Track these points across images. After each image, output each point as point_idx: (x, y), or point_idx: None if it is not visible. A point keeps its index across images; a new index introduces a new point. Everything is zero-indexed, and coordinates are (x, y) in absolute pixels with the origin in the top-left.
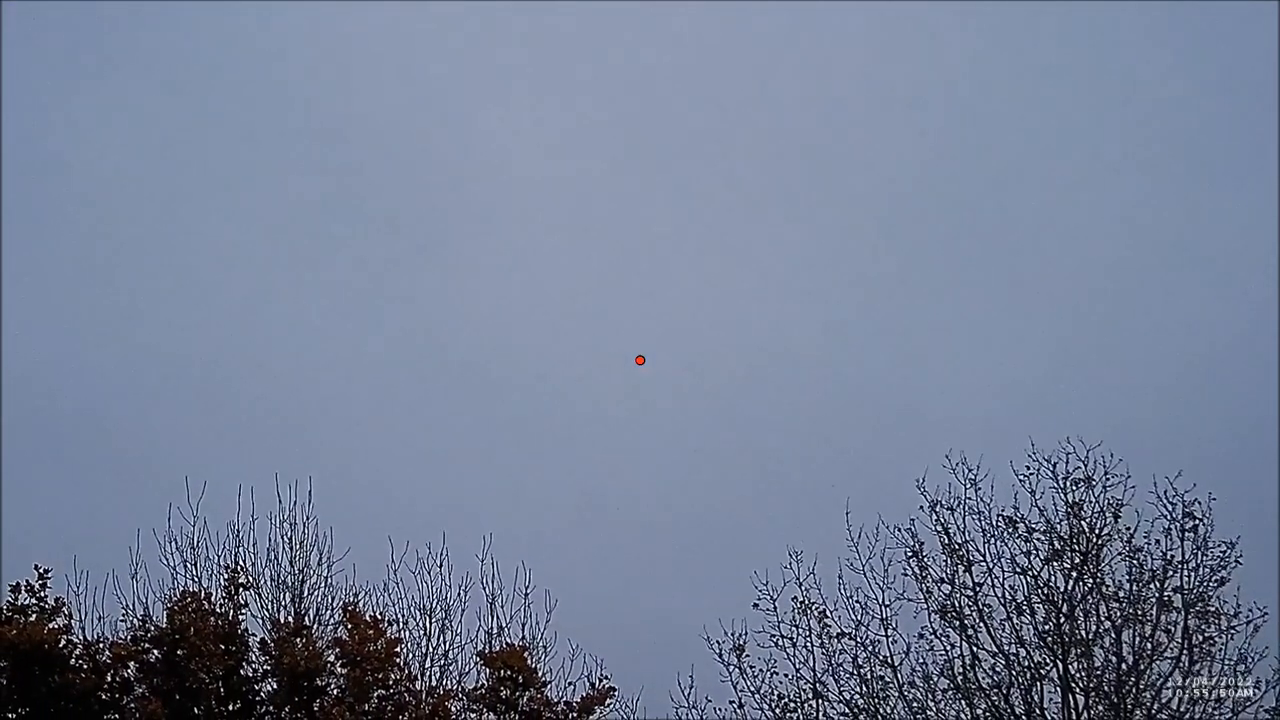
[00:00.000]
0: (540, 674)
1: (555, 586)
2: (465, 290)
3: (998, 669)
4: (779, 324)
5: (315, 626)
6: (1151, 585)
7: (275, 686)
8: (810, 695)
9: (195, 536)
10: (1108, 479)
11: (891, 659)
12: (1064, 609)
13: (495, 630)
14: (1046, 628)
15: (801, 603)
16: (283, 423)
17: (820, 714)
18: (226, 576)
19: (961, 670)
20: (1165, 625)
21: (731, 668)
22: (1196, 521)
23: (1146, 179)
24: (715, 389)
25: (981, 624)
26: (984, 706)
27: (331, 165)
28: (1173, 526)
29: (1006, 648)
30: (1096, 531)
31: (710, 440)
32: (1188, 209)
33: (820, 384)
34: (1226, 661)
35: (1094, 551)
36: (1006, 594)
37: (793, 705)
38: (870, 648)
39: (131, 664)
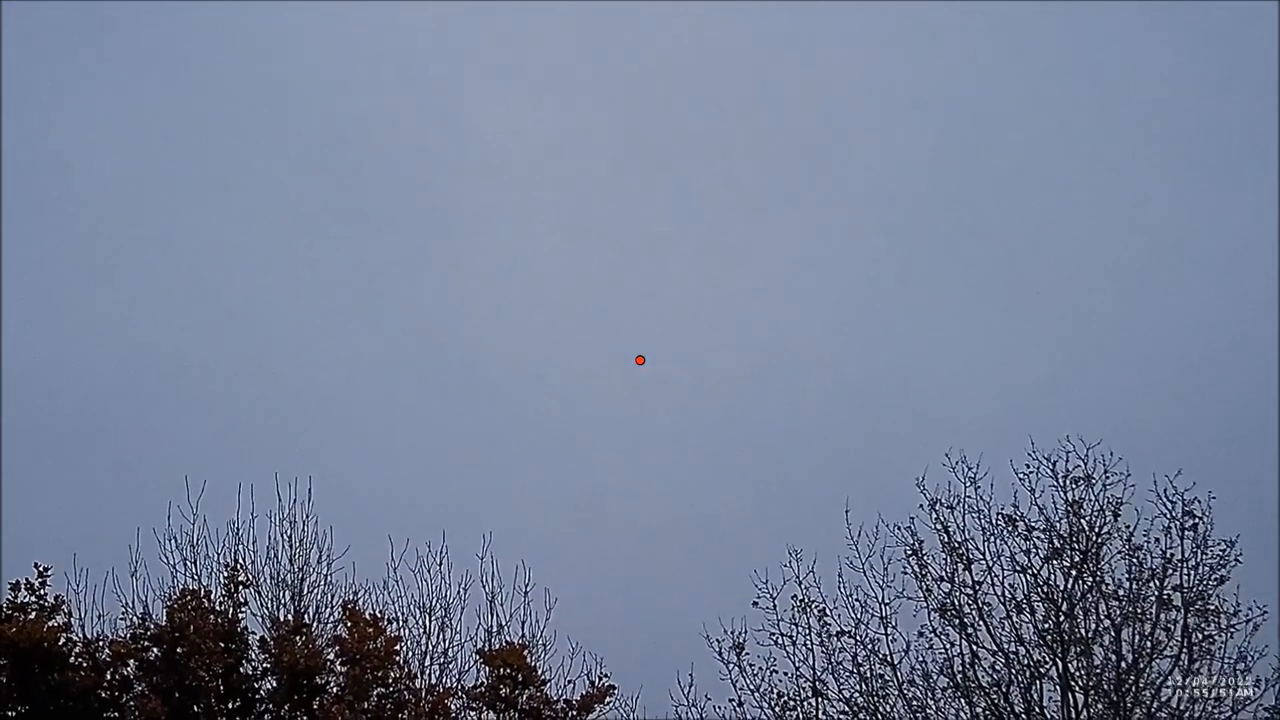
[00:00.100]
0: (540, 672)
1: (555, 585)
2: (465, 290)
3: (997, 667)
4: (779, 324)
5: (315, 625)
6: (1151, 584)
7: (275, 684)
8: (810, 693)
9: (195, 535)
10: (1107, 477)
11: (891, 657)
12: (1064, 607)
13: (495, 628)
14: (1046, 626)
15: (801, 601)
16: (282, 422)
17: (820, 712)
18: (226, 575)
19: (961, 668)
20: (1165, 624)
21: (731, 666)
22: (1196, 520)
23: (1146, 179)
24: (715, 389)
25: (981, 622)
26: (983, 705)
27: (331, 165)
28: (1172, 525)
29: (1006, 646)
30: (1096, 530)
31: (710, 440)
32: (1188, 209)
33: (820, 383)
34: (1226, 660)
35: (1094, 550)
36: (1006, 592)
37: (792, 703)
38: (870, 646)
39: (131, 662)
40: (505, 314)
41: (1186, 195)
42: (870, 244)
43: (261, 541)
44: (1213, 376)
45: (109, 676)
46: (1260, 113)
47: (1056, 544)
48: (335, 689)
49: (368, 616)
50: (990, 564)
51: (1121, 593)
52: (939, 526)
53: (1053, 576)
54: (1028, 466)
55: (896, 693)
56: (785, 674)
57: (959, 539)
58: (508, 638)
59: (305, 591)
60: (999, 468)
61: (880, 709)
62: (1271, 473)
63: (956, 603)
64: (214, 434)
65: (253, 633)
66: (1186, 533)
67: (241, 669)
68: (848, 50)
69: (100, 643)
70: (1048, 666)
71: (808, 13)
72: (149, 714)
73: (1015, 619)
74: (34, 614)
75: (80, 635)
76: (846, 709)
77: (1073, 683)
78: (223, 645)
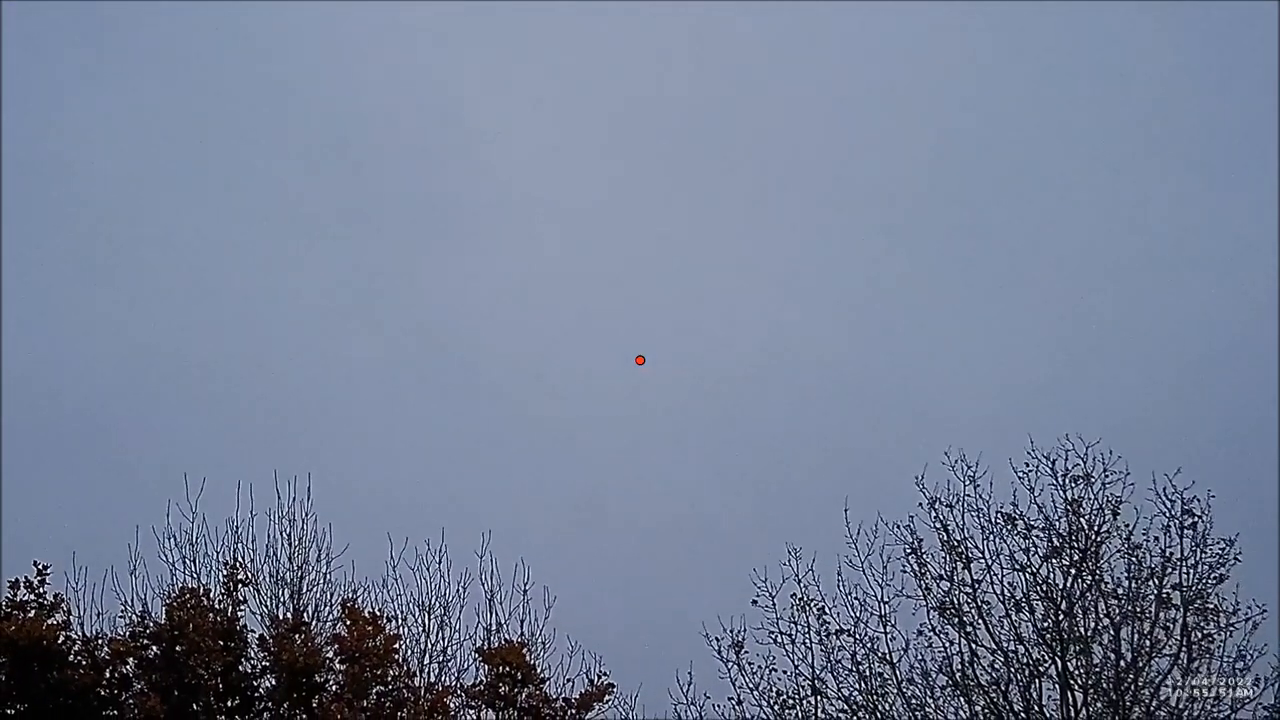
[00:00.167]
0: (539, 670)
1: (554, 584)
2: (465, 290)
3: (996, 666)
4: (779, 324)
5: (314, 623)
6: (1150, 582)
7: (274, 683)
8: (809, 692)
9: (194, 533)
10: (1107, 476)
11: (890, 656)
12: (1063, 606)
13: (494, 627)
14: (1045, 625)
15: (800, 599)
16: (282, 421)
17: (819, 711)
18: (225, 573)
19: (960, 667)
20: (1164, 622)
21: (730, 664)
22: (1195, 519)
23: (1146, 179)
24: (715, 389)
25: (980, 621)
26: (982, 703)
27: (331, 165)
28: (1172, 523)
29: (1005, 645)
30: (1095, 528)
31: (710, 440)
32: (1188, 209)
33: (820, 383)
34: (1225, 659)
35: (1093, 548)
36: (1005, 591)
37: (791, 702)
38: (869, 644)
39: (130, 660)
40: (505, 314)
41: (1186, 195)
42: (870, 244)
43: (261, 540)
44: (1212, 375)
45: (108, 675)
46: (1260, 113)
47: (1056, 542)
48: (334, 687)
49: (367, 615)
50: (989, 562)
51: (1121, 591)
52: (938, 525)
53: (1052, 575)
54: (1027, 465)
55: (895, 691)
56: (784, 672)
57: (958, 537)
58: (507, 636)
59: (304, 590)
60: (998, 466)
61: (879, 707)
62: (1271, 471)
63: (956, 601)
64: (213, 432)
65: (252, 631)
66: (1186, 531)
67: (241, 667)
68: (848, 50)
69: (99, 641)
70: (1047, 665)
71: (808, 13)
72: (148, 712)
73: (1014, 617)
74: (33, 612)
75: (79, 633)
76: (845, 707)
77: (1072, 681)
78: (222, 643)
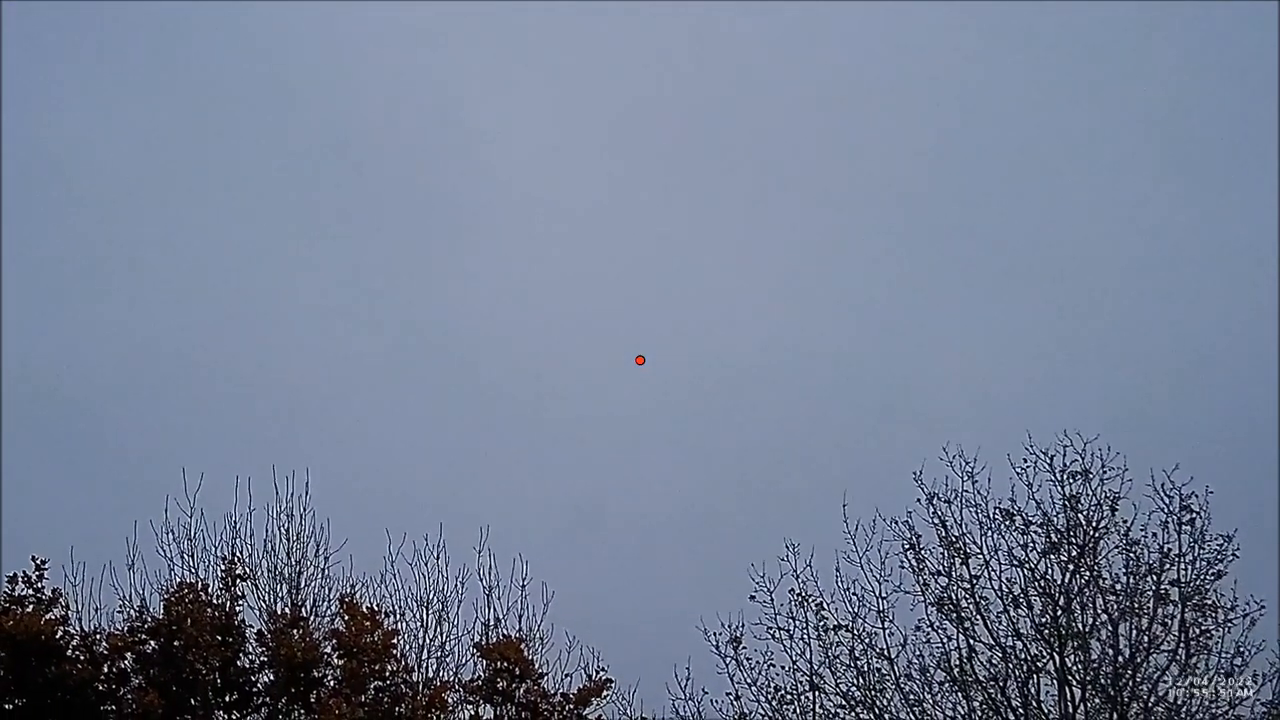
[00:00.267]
0: (537, 666)
1: (552, 580)
2: (465, 290)
3: (994, 661)
4: (779, 324)
5: (312, 618)
6: (1149, 578)
7: (272, 678)
8: (807, 687)
9: (192, 528)
10: (1105, 472)
11: (888, 651)
12: (1061, 602)
13: (492, 622)
14: (1043, 620)
15: (798, 595)
16: (281, 419)
17: (817, 706)
18: (223, 568)
19: (958, 663)
20: (1162, 618)
21: (728, 660)
22: (1194, 515)
23: (1146, 179)
24: (715, 389)
25: (978, 616)
26: (981, 699)
27: (331, 165)
28: (1170, 519)
29: (1003, 640)
30: (1094, 524)
31: (709, 436)
32: (1188, 209)
33: (820, 380)
34: (1223, 655)
35: (1091, 544)
36: (1003, 587)
37: (789, 697)
38: (867, 640)
39: (128, 655)
40: (505, 314)
41: (1186, 195)
42: (870, 244)
43: (259, 535)
44: (1211, 371)
45: (106, 669)
46: (1260, 113)
47: (1054, 538)
48: (332, 682)
49: (365, 610)
50: (987, 558)
51: (1119, 587)
52: (936, 521)
53: (1050, 571)
54: (1025, 461)
55: (893, 687)
56: (782, 668)
57: (956, 533)
58: (505, 631)
59: (303, 585)
60: (997, 462)
61: (877, 703)
62: (1269, 467)
63: (954, 597)
64: (212, 429)
65: (250, 626)
66: (1184, 527)
67: (239, 662)
68: (848, 50)
69: (97, 636)
70: (1045, 661)
71: (808, 12)
72: (146, 707)
73: (1012, 613)
74: (31, 607)
75: (78, 628)
76: (844, 703)
77: (1070, 677)
78: (220, 638)
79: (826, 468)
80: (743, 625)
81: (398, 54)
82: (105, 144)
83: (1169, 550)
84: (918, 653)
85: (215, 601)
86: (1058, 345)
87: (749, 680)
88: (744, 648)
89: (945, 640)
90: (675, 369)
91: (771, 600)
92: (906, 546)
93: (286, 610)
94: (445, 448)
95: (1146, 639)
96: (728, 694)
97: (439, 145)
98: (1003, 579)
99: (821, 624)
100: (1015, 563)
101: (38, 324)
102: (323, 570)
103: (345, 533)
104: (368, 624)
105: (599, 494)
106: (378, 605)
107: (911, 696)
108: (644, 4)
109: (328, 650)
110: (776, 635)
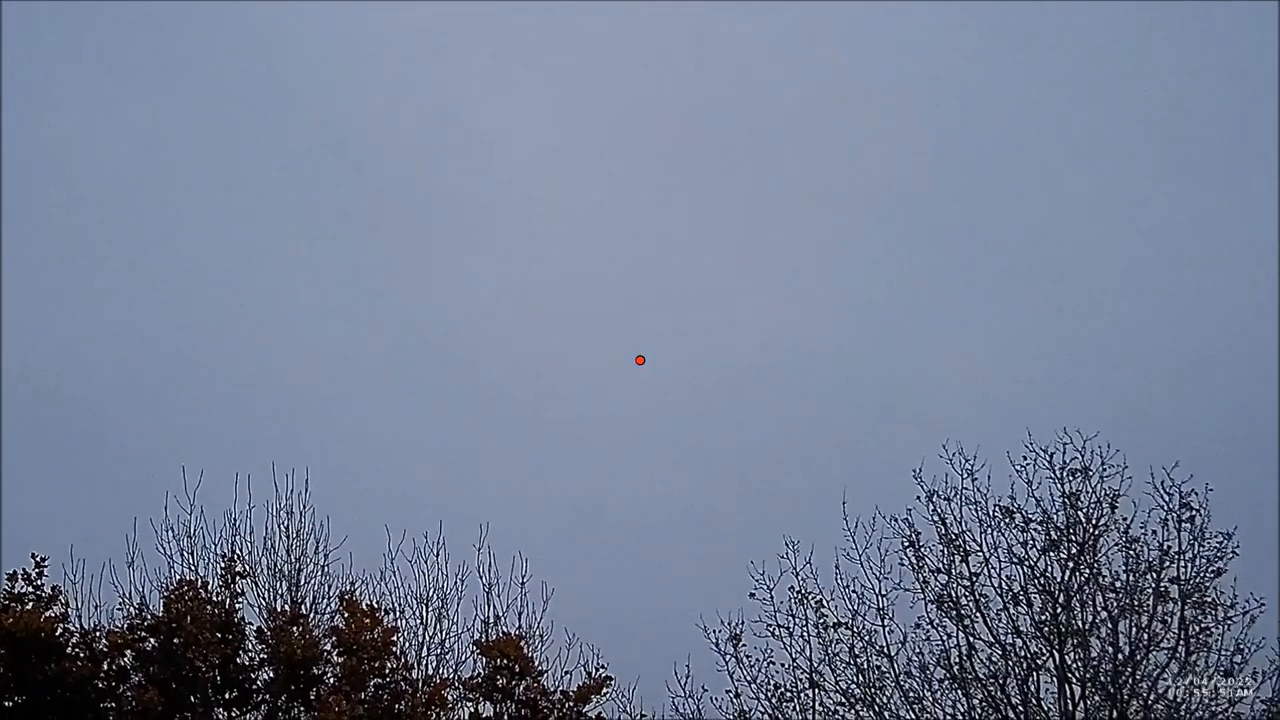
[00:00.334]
0: (537, 663)
1: (552, 578)
2: (465, 290)
3: (994, 659)
4: (779, 323)
5: (312, 615)
6: (1148, 576)
7: (272, 675)
8: (806, 685)
9: (192, 525)
10: (1105, 469)
11: (888, 649)
12: (1060, 599)
13: (492, 619)
14: (1043, 618)
15: (798, 592)
16: (281, 418)
17: (816, 704)
18: (223, 565)
19: (958, 660)
20: (1162, 616)
21: (728, 657)
22: (1193, 512)
23: (1146, 179)
24: (715, 389)
25: (978, 614)
26: (980, 696)
27: (332, 165)
28: (1169, 517)
29: (1003, 638)
30: (1093, 522)
31: (709, 436)
32: (1188, 209)
33: (819, 379)
34: (1223, 653)
35: (1091, 542)
36: (1003, 584)
37: (789, 695)
38: (867, 637)
39: (128, 652)
40: (505, 314)
41: (1186, 195)
42: (870, 244)
43: (259, 532)
44: (1211, 369)
45: (106, 667)
46: (1260, 113)
47: (1054, 536)
48: (332, 679)
49: (365, 607)
50: (987, 556)
51: (1118, 585)
52: (936, 518)
53: (1050, 568)
54: (1025, 459)
55: (893, 684)
56: (782, 665)
57: (956, 531)
58: (504, 629)
59: (302, 582)
60: (996, 460)
61: (877, 700)
62: (1269, 465)
63: (953, 594)
64: (212, 427)
65: (250, 623)
66: (1184, 525)
67: (238, 659)
68: (848, 50)
69: (97, 633)
70: (1044, 658)
71: (808, 12)
72: (145, 704)
73: (1012, 611)
74: (31, 604)
75: (77, 626)
76: (843, 700)
77: (1069, 674)
78: (219, 636)
79: (826, 467)
80: (742, 623)
81: (398, 54)
82: (105, 144)
83: (1169, 548)
84: (917, 650)
85: (215, 599)
86: (1058, 345)
87: (749, 678)
88: (744, 645)
89: (945, 638)
90: (675, 369)
91: (771, 598)
92: (906, 544)
93: (286, 608)
94: (445, 447)
95: (1146, 636)
96: (727, 692)
97: (439, 145)
98: (1002, 576)
99: (821, 621)
100: (1015, 560)
101: (38, 324)
102: (322, 568)
103: (345, 530)
104: (367, 621)
105: (599, 494)
106: (377, 603)
107: (911, 694)
108: (644, 4)
109: (327, 647)
110: (776, 633)
